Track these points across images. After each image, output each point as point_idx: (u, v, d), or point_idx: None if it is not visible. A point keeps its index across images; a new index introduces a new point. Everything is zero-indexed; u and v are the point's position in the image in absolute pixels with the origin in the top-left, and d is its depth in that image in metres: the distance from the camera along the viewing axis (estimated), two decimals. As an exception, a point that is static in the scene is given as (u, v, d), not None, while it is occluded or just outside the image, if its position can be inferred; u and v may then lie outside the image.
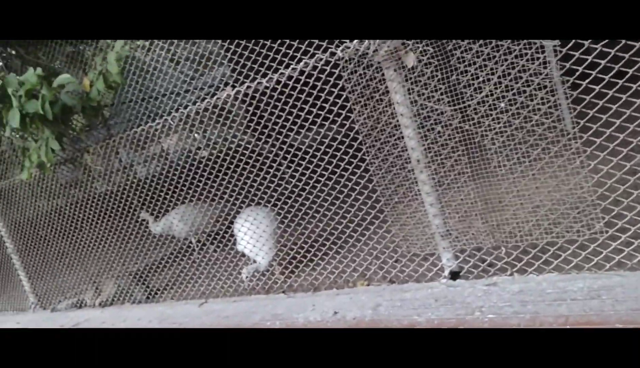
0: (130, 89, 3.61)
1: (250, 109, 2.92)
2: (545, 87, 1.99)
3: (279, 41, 2.68)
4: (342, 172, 2.68)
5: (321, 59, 2.46)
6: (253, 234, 3.60)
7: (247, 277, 3.67)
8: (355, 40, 2.32)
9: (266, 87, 2.73)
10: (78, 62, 4.62)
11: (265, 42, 2.78)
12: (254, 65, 2.83)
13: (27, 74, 2.93)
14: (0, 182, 4.62)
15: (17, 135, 3.57)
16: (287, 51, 2.64)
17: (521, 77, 2.02)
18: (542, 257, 2.24)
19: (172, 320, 3.16)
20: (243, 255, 3.96)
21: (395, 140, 2.38)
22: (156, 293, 4.17)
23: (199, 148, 4.80)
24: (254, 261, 3.77)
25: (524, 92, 2.04)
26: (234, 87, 2.86)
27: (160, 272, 4.46)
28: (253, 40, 2.83)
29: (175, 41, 3.16)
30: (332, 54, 2.41)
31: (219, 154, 3.48)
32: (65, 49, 4.63)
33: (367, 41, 2.28)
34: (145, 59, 3.48)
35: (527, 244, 2.32)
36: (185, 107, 3.11)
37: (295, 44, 2.60)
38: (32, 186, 4.38)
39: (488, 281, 2.33)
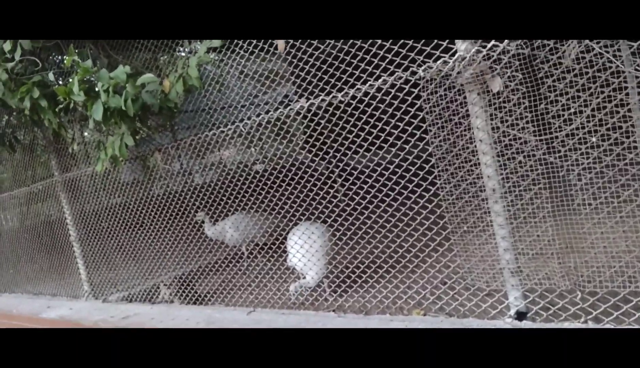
0: (197, 98, 3.74)
1: (322, 121, 2.92)
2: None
3: (358, 57, 2.68)
4: (410, 194, 2.62)
5: (400, 77, 2.43)
6: (306, 251, 3.56)
7: (295, 293, 3.63)
8: (439, 61, 2.28)
9: (340, 102, 2.72)
10: (153, 68, 4.83)
11: (341, 60, 2.79)
12: (325, 85, 2.84)
13: (117, 71, 3.09)
14: (72, 172, 4.85)
15: (96, 129, 3.75)
16: (366, 67, 2.64)
17: (617, 112, 1.90)
18: (622, 308, 2.06)
19: (220, 324, 3.15)
20: (293, 271, 3.93)
21: (470, 166, 2.29)
22: (205, 297, 4.19)
23: (264, 159, 4.87)
24: (304, 277, 3.72)
25: (620, 127, 1.91)
26: (308, 99, 2.88)
27: (212, 276, 4.50)
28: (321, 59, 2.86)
29: (248, 57, 3.25)
30: (413, 73, 2.37)
31: (284, 166, 3.50)
32: (144, 55, 4.86)
33: (451, 62, 2.23)
34: (216, 71, 3.60)
35: (606, 291, 2.15)
36: (250, 119, 3.17)
37: (376, 61, 2.59)
38: (100, 179, 4.57)
39: (558, 326, 2.17)
